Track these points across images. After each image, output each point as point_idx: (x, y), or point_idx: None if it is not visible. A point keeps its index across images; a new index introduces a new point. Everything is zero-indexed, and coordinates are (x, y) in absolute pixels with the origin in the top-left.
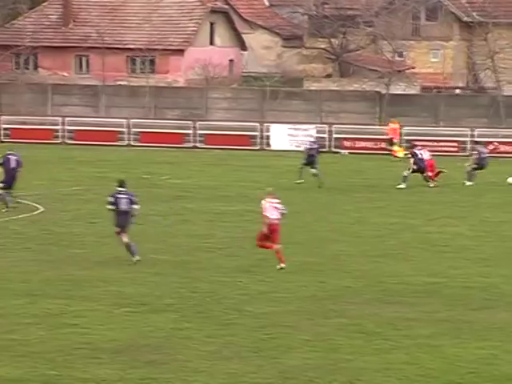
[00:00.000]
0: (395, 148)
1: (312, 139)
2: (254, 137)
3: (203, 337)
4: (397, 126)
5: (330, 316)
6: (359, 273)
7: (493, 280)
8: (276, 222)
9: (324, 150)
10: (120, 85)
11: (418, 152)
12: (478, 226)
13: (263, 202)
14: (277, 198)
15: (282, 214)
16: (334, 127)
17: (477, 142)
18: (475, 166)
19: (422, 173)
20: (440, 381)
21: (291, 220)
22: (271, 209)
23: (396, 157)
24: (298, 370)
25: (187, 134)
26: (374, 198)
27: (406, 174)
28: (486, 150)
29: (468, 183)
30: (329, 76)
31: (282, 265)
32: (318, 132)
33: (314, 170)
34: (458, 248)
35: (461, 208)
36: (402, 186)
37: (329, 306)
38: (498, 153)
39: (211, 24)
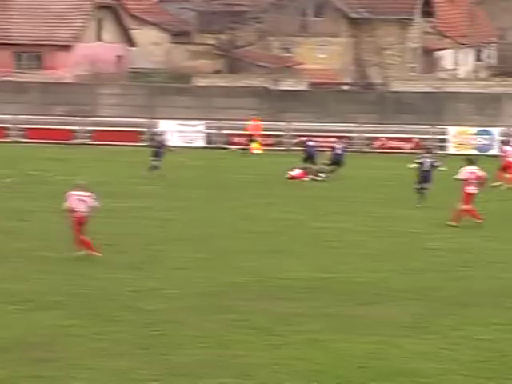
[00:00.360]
0: (254, 145)
1: (159, 131)
2: (142, 133)
3: (92, 334)
4: (259, 122)
5: (219, 312)
6: (248, 269)
7: (381, 275)
8: (83, 214)
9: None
10: (6, 81)
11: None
12: (366, 221)
13: (69, 193)
14: (89, 192)
15: (91, 208)
16: (223, 123)
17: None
18: (330, 162)
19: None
20: (329, 376)
21: (180, 216)
22: (78, 201)
23: (252, 153)
24: (188, 366)
25: (75, 131)
26: (263, 194)
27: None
28: (341, 146)
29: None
30: (217, 72)
31: (85, 252)
32: (207, 128)
33: (155, 163)
34: (347, 243)
35: (349, 203)
36: (322, 176)
37: (219, 302)
38: (387, 148)
39: (99, 20)
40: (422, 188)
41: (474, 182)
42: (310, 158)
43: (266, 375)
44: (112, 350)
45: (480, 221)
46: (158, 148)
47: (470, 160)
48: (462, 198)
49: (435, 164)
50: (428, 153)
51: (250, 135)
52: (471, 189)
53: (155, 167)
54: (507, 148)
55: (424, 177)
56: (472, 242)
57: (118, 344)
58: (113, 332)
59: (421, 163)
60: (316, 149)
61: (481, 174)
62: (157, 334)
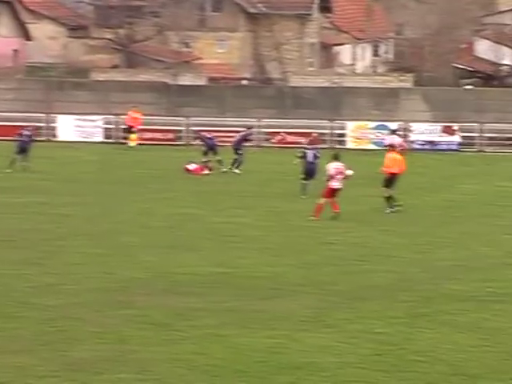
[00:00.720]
0: (132, 136)
1: (27, 131)
2: (39, 128)
3: None
4: (138, 115)
5: (118, 307)
6: (148, 264)
7: (280, 269)
8: None
9: (38, 139)
10: None
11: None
12: (264, 215)
13: None
14: None
15: None
16: (122, 118)
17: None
18: (204, 149)
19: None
20: (228, 370)
21: (78, 212)
22: None
23: (129, 146)
24: (86, 362)
25: None
26: (162, 189)
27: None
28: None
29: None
30: (115, 67)
31: None
32: (105, 123)
33: (16, 156)
34: (246, 238)
35: (248, 198)
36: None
37: (117, 297)
38: (286, 143)
39: None
40: (306, 179)
41: (339, 177)
42: (211, 149)
43: (165, 370)
44: (10, 346)
45: (337, 212)
46: (24, 143)
47: (335, 156)
48: (324, 192)
49: (318, 155)
50: (310, 144)
51: (129, 127)
52: (335, 184)
53: (15, 161)
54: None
55: (309, 169)
56: (369, 236)
57: (16, 340)
58: (11, 328)
59: (303, 156)
60: (215, 141)
61: (345, 170)
62: (55, 330)
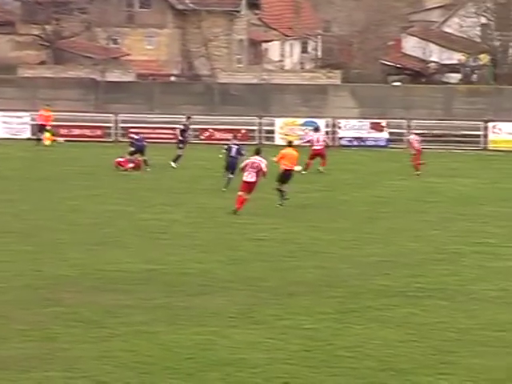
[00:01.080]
0: (46, 135)
1: None
2: None
3: None
4: (49, 113)
5: (46, 305)
6: (76, 261)
7: (209, 266)
8: None
9: None
10: None
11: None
12: (193, 212)
13: None
14: None
15: None
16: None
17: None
18: (132, 150)
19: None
20: (157, 367)
21: (6, 209)
22: None
23: (45, 145)
24: (14, 360)
25: None
26: (91, 186)
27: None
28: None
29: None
30: (43, 63)
31: None
32: (33, 120)
33: None
34: (175, 235)
35: (177, 195)
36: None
37: (45, 294)
38: (214, 140)
39: None
40: (227, 173)
41: (250, 170)
42: (139, 151)
43: (94, 368)
44: None
45: (240, 209)
46: None
47: (257, 150)
48: (241, 185)
49: (242, 151)
50: (235, 139)
51: (42, 125)
52: (245, 177)
53: None
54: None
55: (230, 162)
56: (297, 233)
57: None
58: None
59: (228, 149)
60: (143, 142)
61: (262, 164)
62: None
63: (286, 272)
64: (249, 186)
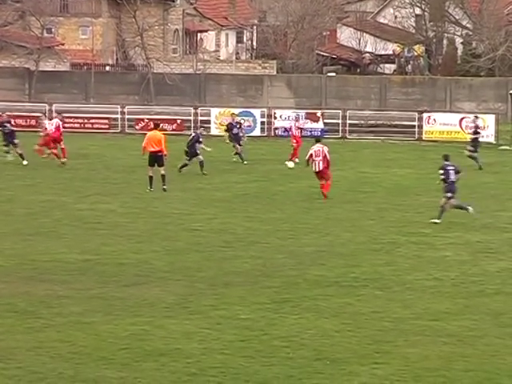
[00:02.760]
0: None
1: None
2: None
3: None
4: None
5: None
6: (11, 251)
7: (145, 256)
8: None
9: None
10: None
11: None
12: (130, 202)
13: None
14: None
15: None
16: None
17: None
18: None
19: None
20: (92, 357)
21: None
22: None
23: None
24: None
25: None
26: (25, 176)
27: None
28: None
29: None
30: None
31: None
32: None
33: None
34: (110, 225)
35: (112, 185)
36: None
37: None
38: (149, 130)
39: None
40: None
41: (318, 159)
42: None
43: (27, 359)
44: None
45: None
46: None
47: (317, 139)
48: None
49: (200, 140)
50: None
51: None
52: (318, 166)
53: None
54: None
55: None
56: (233, 223)
57: None
58: None
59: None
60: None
61: (325, 150)
62: None
63: (222, 262)
64: (322, 173)
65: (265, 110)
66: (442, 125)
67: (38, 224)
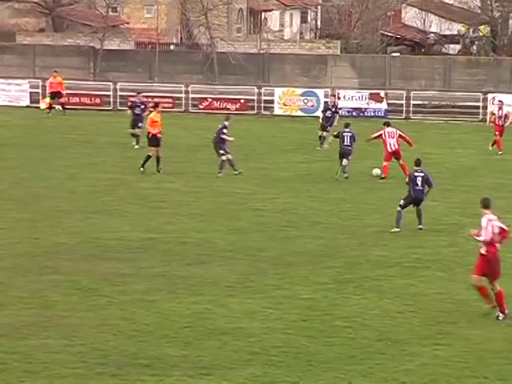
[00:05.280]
0: (46, 100)
1: None
2: None
3: None
4: (59, 79)
5: (44, 273)
6: (75, 229)
7: (207, 235)
8: None
9: None
10: None
11: None
12: (193, 181)
13: None
14: None
15: None
16: (48, 82)
17: None
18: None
19: None
20: (155, 335)
21: (5, 176)
22: None
23: (40, 108)
24: (12, 327)
25: None
26: (90, 154)
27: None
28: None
29: None
30: (42, 30)
31: None
32: (31, 87)
33: None
34: (174, 204)
35: (176, 164)
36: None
37: (44, 262)
38: (213, 109)
39: None
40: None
41: (393, 141)
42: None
43: (91, 336)
44: None
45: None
46: None
47: (387, 123)
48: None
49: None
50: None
51: (53, 93)
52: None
53: None
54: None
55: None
56: (296, 203)
57: None
58: None
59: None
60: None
61: (397, 132)
62: None
63: (285, 242)
64: (394, 154)
65: (328, 90)
66: (507, 106)
67: (102, 202)
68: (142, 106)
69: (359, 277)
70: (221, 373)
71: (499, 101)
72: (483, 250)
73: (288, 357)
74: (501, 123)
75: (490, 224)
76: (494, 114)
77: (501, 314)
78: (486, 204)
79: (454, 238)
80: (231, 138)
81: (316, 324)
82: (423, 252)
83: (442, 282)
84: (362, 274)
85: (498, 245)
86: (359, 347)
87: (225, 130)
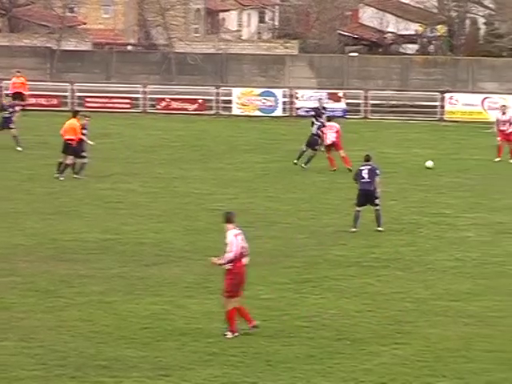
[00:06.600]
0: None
1: None
2: None
3: None
4: (22, 80)
5: (1, 274)
6: (32, 230)
7: (165, 236)
8: None
9: None
10: None
11: None
12: (150, 182)
13: None
14: None
15: None
16: (4, 83)
17: None
18: None
19: None
20: (113, 336)
21: None
22: None
23: None
24: None
25: None
26: (47, 155)
27: None
28: None
29: None
30: None
31: None
32: None
33: None
34: (131, 204)
35: (133, 164)
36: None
37: (0, 264)
38: (171, 109)
39: None
40: None
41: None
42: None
43: (49, 337)
44: None
45: None
46: None
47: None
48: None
49: None
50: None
51: (16, 93)
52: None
53: None
54: None
55: None
56: (254, 203)
57: None
58: None
59: None
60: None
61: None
62: None
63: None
64: (332, 146)
65: (286, 90)
66: (463, 105)
67: (59, 203)
68: (11, 110)
69: (318, 276)
70: (180, 373)
71: (502, 105)
72: (229, 266)
73: (247, 357)
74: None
75: (236, 238)
76: (498, 119)
77: (229, 333)
78: (229, 219)
79: (413, 237)
80: (91, 142)
81: (275, 324)
82: (382, 251)
83: (401, 281)
84: (321, 274)
85: (244, 260)
86: (318, 347)
87: (84, 131)
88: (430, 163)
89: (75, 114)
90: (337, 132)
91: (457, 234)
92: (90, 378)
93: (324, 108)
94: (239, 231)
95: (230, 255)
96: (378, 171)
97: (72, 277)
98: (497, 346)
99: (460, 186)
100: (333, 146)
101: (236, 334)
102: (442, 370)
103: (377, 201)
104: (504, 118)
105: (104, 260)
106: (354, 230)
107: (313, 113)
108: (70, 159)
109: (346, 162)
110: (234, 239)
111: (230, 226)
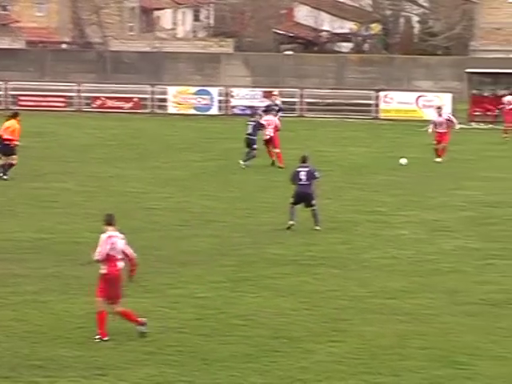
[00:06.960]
0: None
1: None
2: None
3: None
4: None
5: None
6: None
7: (100, 235)
8: None
9: None
10: None
11: None
12: (85, 181)
13: None
14: None
15: None
16: None
17: None
18: None
19: None
20: (48, 336)
21: None
22: None
23: None
24: None
25: None
26: None
27: None
28: None
29: None
30: None
31: None
32: None
33: None
34: (66, 204)
35: (68, 163)
36: None
37: None
38: (106, 108)
39: None
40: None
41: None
42: None
43: None
44: None
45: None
46: None
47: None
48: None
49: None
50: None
51: None
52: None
53: None
54: None
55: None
56: (189, 202)
57: None
58: None
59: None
60: None
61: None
62: None
63: (179, 241)
64: (270, 141)
65: (222, 88)
66: (398, 103)
67: None
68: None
69: (254, 275)
70: (116, 373)
71: (437, 107)
72: (103, 270)
73: (183, 356)
74: None
75: (109, 240)
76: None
77: (141, 327)
78: (108, 221)
79: (348, 236)
80: None
81: (211, 323)
82: (318, 249)
83: (337, 279)
84: (257, 273)
85: (119, 264)
86: (255, 345)
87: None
88: (403, 161)
89: (15, 115)
90: (275, 128)
91: (392, 232)
92: (24, 378)
93: (276, 105)
94: (118, 234)
95: (96, 256)
96: (316, 174)
97: (6, 276)
98: (431, 343)
99: (395, 184)
100: (270, 142)
101: (105, 338)
102: (378, 368)
103: (313, 201)
104: (440, 119)
105: (39, 259)
106: (291, 222)
107: (250, 112)
108: (14, 159)
109: (279, 158)
110: (105, 241)
111: (109, 228)
